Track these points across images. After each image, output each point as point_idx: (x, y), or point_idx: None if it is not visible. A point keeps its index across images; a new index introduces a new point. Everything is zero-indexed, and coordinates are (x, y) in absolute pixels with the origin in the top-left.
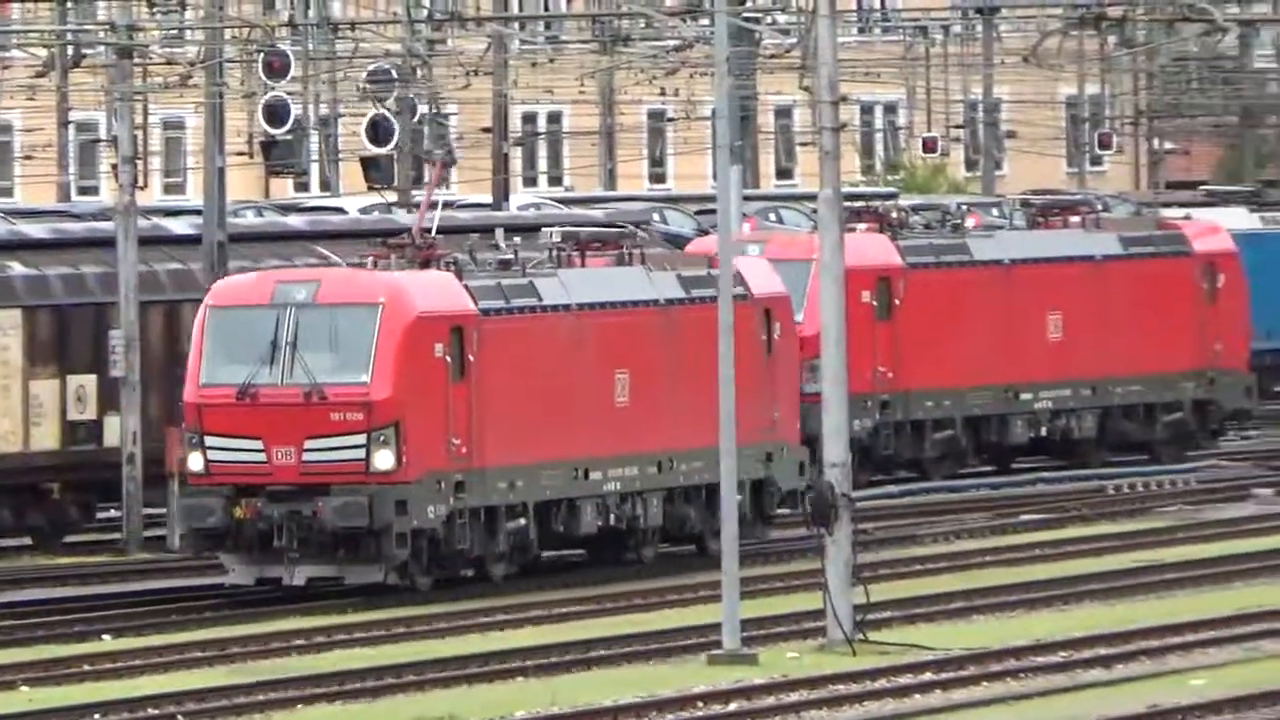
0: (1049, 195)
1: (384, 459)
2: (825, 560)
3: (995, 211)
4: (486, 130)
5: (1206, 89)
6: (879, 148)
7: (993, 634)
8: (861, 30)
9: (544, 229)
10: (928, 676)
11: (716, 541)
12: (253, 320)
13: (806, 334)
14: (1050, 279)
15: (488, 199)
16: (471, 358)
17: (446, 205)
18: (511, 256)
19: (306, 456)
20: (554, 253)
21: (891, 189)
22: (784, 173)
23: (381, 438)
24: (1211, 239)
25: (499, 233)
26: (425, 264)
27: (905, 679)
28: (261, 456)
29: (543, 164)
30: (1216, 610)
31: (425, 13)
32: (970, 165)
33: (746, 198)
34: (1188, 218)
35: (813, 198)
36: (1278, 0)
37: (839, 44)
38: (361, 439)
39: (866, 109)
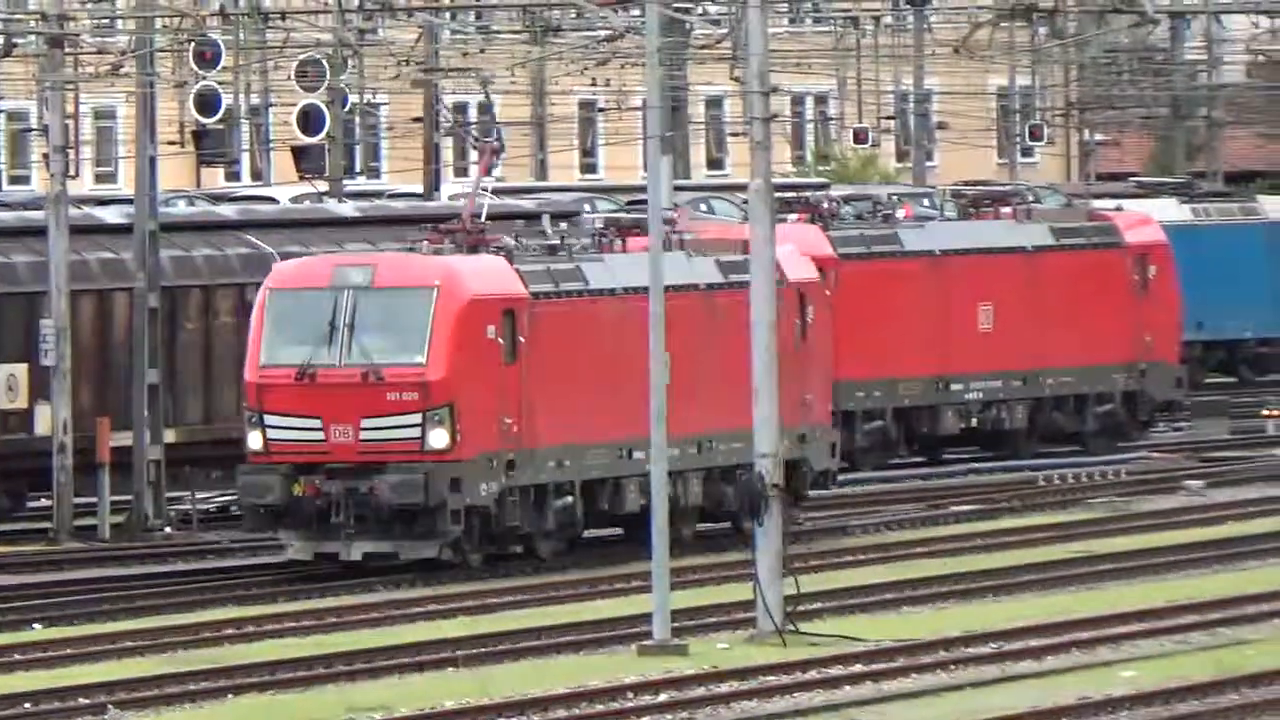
0: (980, 186)
1: (439, 438)
2: (755, 551)
3: (926, 202)
4: (417, 120)
5: (1137, 81)
6: (810, 138)
7: (923, 625)
8: (792, 21)
9: (585, 214)
10: (858, 668)
11: (750, 520)
12: (312, 302)
13: None
14: (981, 270)
15: (419, 189)
16: (522, 339)
17: (387, 195)
18: (558, 241)
19: (364, 435)
20: (596, 238)
21: (822, 180)
22: (715, 163)
23: (437, 417)
24: (1143, 230)
25: (545, 218)
26: (473, 249)
27: (835, 670)
28: (320, 435)
29: (474, 154)
30: (1148, 602)
31: (356, 2)
32: (901, 156)
33: (677, 188)
34: (1119, 209)
35: (744, 188)
36: None
37: (769, 34)
38: (417, 418)
39: (798, 100)
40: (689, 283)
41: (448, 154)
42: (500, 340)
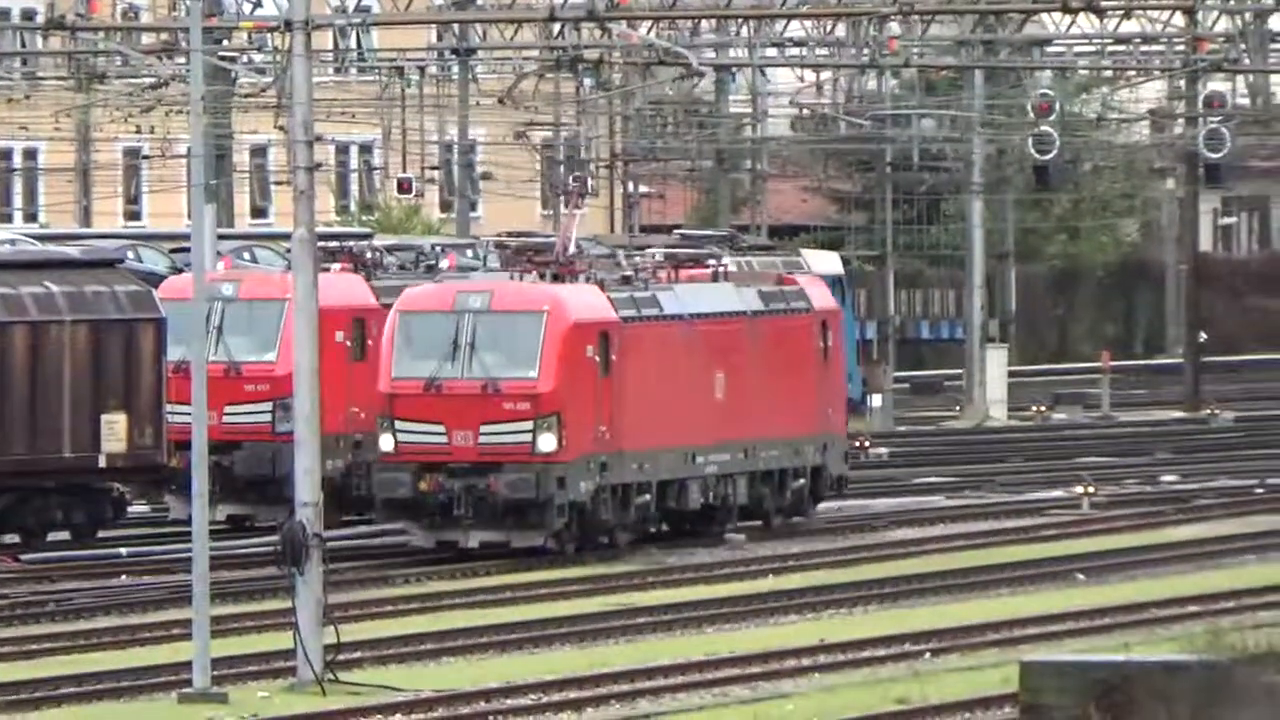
0: (523, 237)
1: (547, 442)
2: (295, 599)
3: (470, 253)
4: None
5: (682, 133)
6: (354, 188)
7: (464, 676)
8: (338, 70)
9: (649, 249)
10: (397, 718)
11: (779, 518)
12: (437, 324)
13: (279, 374)
14: None
15: None
16: (614, 358)
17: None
18: (631, 273)
19: (482, 439)
20: (655, 270)
21: (366, 229)
22: (259, 212)
23: (546, 424)
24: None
25: (620, 252)
26: (558, 278)
27: None
28: (444, 439)
29: (18, 200)
30: (687, 654)
31: None
32: (445, 206)
33: (221, 236)
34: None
35: (287, 237)
36: (753, 45)
37: (315, 84)
38: (529, 425)
39: (342, 149)
40: (739, 310)
41: None
42: (597, 358)
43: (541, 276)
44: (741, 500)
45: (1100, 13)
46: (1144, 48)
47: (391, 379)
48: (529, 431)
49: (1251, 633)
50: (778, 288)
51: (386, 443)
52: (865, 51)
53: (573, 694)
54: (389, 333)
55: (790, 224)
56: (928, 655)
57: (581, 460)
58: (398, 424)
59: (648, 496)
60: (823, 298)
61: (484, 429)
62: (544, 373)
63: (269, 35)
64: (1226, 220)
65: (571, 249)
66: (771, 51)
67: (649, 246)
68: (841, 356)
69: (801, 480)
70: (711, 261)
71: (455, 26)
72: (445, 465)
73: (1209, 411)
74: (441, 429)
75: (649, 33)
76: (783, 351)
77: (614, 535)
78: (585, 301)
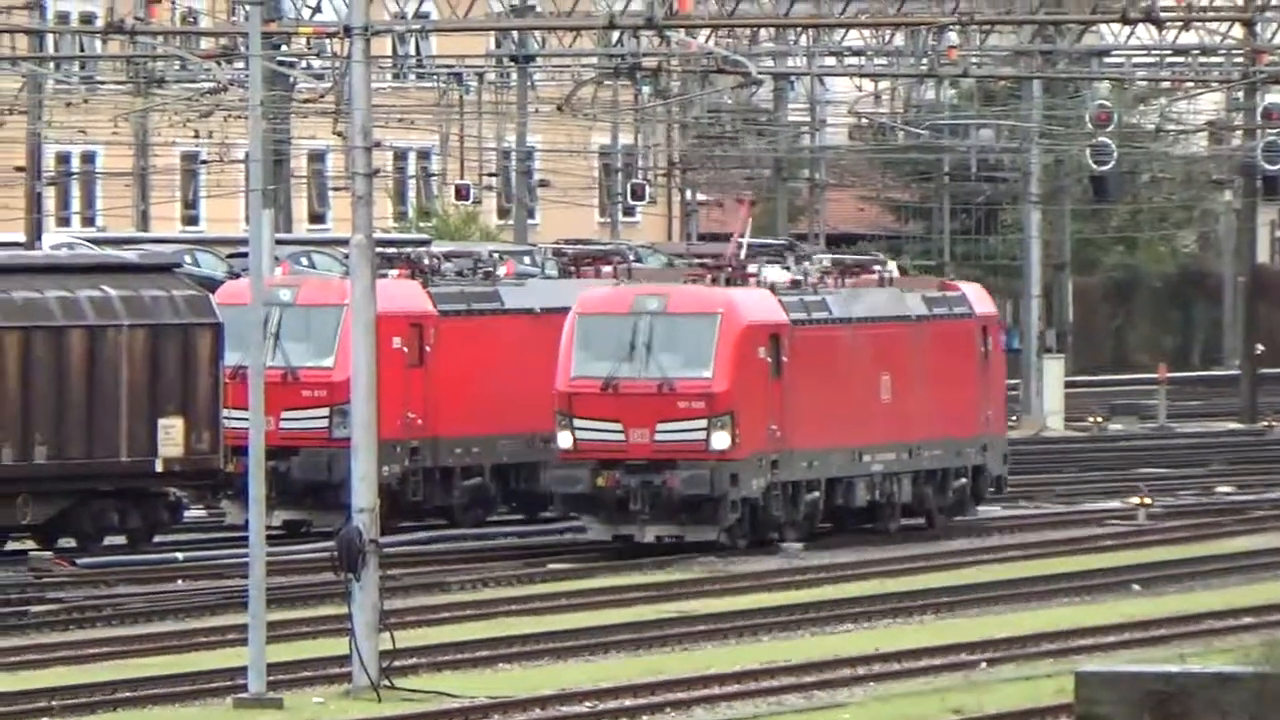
0: (580, 244)
1: (721, 440)
2: (352, 605)
3: (528, 260)
4: (20, 169)
5: (740, 141)
6: (412, 194)
7: (519, 683)
8: (396, 76)
9: (815, 256)
10: None
11: (943, 517)
12: (614, 325)
13: (336, 379)
14: None
15: (21, 238)
16: (785, 359)
17: None
18: (801, 277)
19: (658, 437)
20: (823, 276)
21: (424, 236)
22: (317, 217)
23: (720, 423)
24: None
25: (789, 256)
26: (729, 282)
27: None
28: (621, 436)
29: (76, 204)
30: (743, 663)
31: None
32: (503, 213)
33: (279, 241)
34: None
35: (345, 242)
36: (812, 54)
37: (373, 89)
38: (703, 423)
39: (400, 155)
40: (904, 314)
41: (50, 204)
42: (768, 359)
43: (715, 281)
44: (905, 499)
45: (1159, 24)
46: (1202, 59)
47: (570, 378)
48: (704, 429)
49: None
50: (941, 293)
51: (565, 440)
52: (924, 61)
53: (628, 701)
54: (567, 334)
55: (848, 233)
56: (983, 665)
57: (754, 458)
58: (576, 422)
59: (816, 494)
60: (983, 303)
61: (660, 427)
62: (718, 373)
63: (328, 41)
64: None
65: (742, 254)
66: (830, 60)
67: (706, 255)
68: (1001, 360)
69: (963, 480)
70: (877, 267)
71: (514, 33)
72: (622, 462)
73: (1265, 423)
74: (619, 427)
75: (708, 41)
76: (946, 355)
77: (783, 531)
78: (757, 304)
